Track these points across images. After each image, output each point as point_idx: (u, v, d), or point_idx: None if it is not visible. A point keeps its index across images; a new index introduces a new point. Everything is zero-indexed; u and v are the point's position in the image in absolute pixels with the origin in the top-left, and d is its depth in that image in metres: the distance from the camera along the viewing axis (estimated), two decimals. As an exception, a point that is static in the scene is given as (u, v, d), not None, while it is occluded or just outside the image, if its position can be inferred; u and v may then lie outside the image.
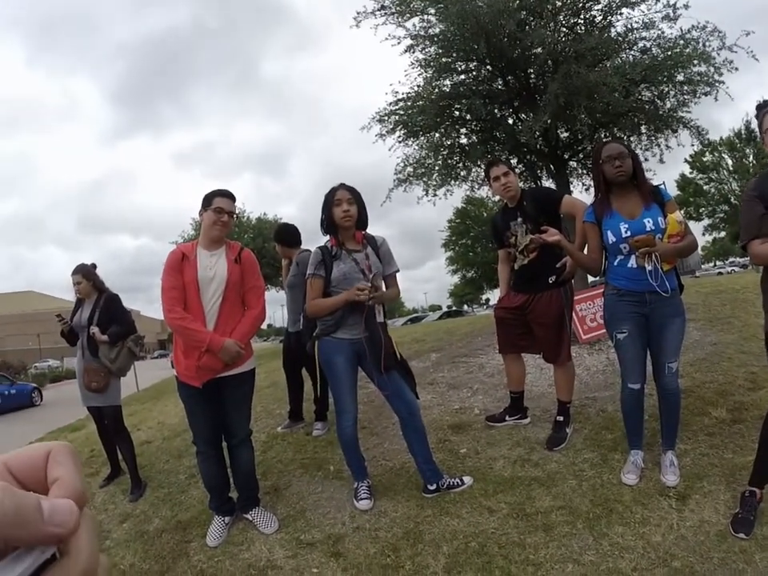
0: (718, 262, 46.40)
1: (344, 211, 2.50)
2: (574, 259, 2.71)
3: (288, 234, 3.90)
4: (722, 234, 36.28)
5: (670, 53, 5.98)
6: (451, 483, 2.65)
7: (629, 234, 2.35)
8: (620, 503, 2.32)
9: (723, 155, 31.81)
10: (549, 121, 5.79)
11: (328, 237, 2.64)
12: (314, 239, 2.85)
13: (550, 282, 2.97)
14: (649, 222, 2.32)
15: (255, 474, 2.73)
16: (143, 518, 2.86)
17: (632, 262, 2.40)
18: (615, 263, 2.48)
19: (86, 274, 3.36)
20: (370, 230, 2.68)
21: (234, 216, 2.54)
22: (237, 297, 2.50)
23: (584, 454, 2.85)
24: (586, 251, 2.68)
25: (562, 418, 3.10)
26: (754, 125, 2.15)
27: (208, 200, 2.50)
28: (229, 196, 2.52)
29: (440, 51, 6.55)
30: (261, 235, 18.62)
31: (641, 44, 6.39)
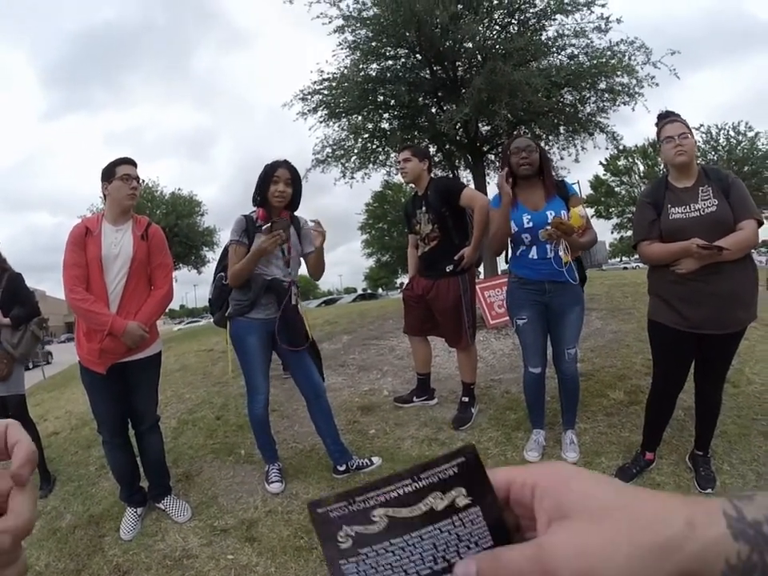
0: (624, 258, 50.11)
1: (279, 191, 2.48)
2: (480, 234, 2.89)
3: None
4: (629, 232, 38.89)
5: (596, 62, 6.30)
6: (360, 464, 2.72)
7: (531, 224, 2.46)
8: (523, 479, 2.48)
9: (637, 161, 34.00)
10: (470, 113, 5.94)
11: (255, 209, 2.59)
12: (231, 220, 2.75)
13: (448, 270, 3.08)
14: (551, 214, 2.41)
15: (165, 461, 2.64)
16: (55, 515, 2.70)
17: (533, 253, 2.51)
18: (518, 253, 2.60)
19: None
20: None
21: (140, 182, 2.42)
22: (143, 275, 2.37)
23: (489, 432, 3.00)
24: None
25: (467, 399, 3.25)
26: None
27: (110, 171, 2.34)
28: (131, 162, 2.39)
29: (371, 35, 6.55)
30: (174, 211, 16.84)
31: (569, 50, 6.70)
